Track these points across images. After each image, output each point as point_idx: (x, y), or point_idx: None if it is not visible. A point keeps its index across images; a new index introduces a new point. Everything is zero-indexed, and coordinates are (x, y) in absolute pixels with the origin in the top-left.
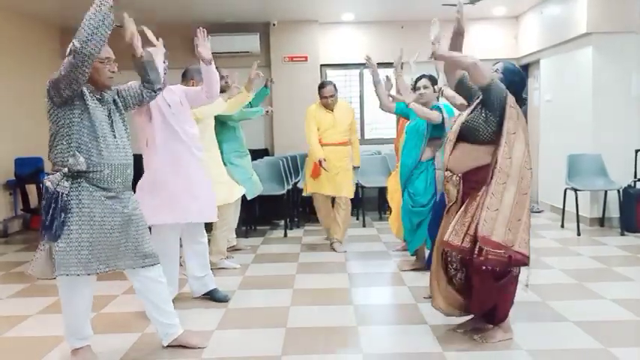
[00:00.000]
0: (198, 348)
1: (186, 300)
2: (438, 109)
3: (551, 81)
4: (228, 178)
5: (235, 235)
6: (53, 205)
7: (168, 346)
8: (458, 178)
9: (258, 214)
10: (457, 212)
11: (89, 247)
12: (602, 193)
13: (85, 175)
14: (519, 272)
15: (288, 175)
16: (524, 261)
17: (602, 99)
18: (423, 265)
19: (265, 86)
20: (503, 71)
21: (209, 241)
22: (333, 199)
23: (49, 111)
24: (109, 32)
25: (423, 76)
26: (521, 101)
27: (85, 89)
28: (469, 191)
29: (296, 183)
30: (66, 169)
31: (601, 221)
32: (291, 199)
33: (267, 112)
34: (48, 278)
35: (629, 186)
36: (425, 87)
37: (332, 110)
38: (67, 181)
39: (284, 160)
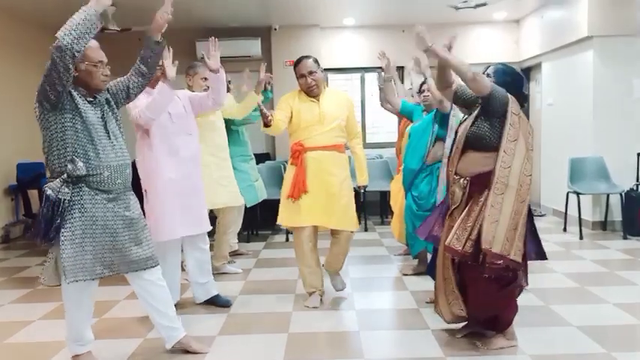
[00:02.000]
0: (201, 353)
1: (189, 305)
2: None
3: (552, 84)
4: (231, 181)
5: (238, 240)
6: (51, 213)
7: (171, 349)
8: (465, 181)
9: (260, 219)
10: (460, 216)
11: (93, 251)
12: (605, 197)
13: (85, 179)
14: (524, 280)
15: None
16: (518, 268)
17: (603, 102)
18: (425, 269)
19: (265, 89)
20: (494, 73)
21: (212, 245)
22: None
23: (40, 117)
24: (93, 31)
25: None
26: (522, 99)
27: (74, 92)
28: (474, 194)
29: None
30: (65, 175)
31: (603, 225)
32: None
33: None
34: (57, 285)
35: (632, 189)
36: (430, 90)
37: (317, 100)
38: (67, 187)
39: (285, 164)
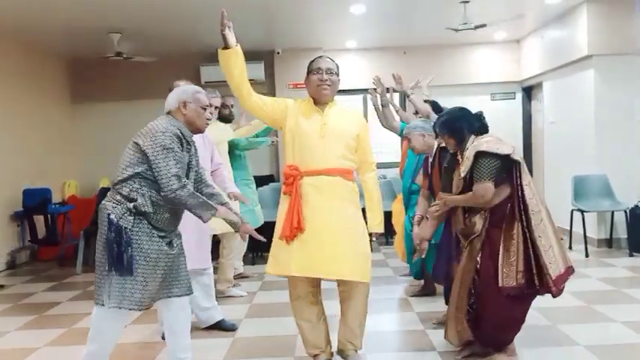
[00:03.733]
0: None
1: (193, 330)
2: None
3: (554, 103)
4: (234, 206)
5: (242, 263)
6: (118, 239)
7: None
8: (486, 212)
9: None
10: (483, 246)
11: (143, 282)
12: (609, 214)
13: (147, 216)
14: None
15: None
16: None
17: (605, 120)
18: (433, 290)
19: None
20: (442, 130)
21: (216, 269)
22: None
23: (142, 149)
24: (200, 216)
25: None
26: (481, 128)
27: (186, 135)
28: (497, 224)
29: None
30: (131, 205)
31: (609, 242)
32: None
33: (273, 142)
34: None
35: (636, 206)
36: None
37: (322, 110)
38: (130, 216)
39: None
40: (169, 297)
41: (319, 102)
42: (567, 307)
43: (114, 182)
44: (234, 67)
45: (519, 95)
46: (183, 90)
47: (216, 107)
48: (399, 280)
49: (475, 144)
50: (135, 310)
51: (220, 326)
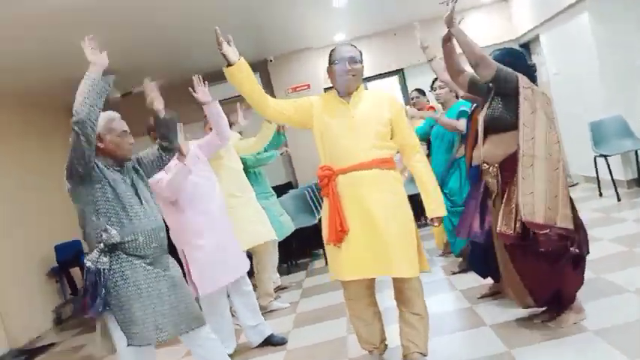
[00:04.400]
0: None
1: (245, 351)
2: (465, 113)
3: (554, 54)
4: (261, 217)
5: (279, 275)
6: (94, 284)
7: None
8: (495, 169)
9: (296, 249)
10: (502, 202)
11: (143, 316)
12: (633, 154)
13: (121, 246)
14: (581, 252)
15: (316, 204)
16: (571, 236)
17: (609, 60)
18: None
19: (278, 132)
20: (494, 59)
21: (254, 286)
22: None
23: (71, 191)
24: (104, 95)
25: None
26: (530, 74)
27: (100, 164)
28: (509, 179)
29: None
30: (102, 245)
31: (638, 181)
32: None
33: (282, 153)
34: (110, 354)
35: None
36: (440, 87)
37: (347, 101)
38: (105, 256)
39: (309, 189)
40: (187, 331)
41: (344, 93)
42: (608, 255)
43: (82, 238)
44: (243, 82)
45: None
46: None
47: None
48: (435, 260)
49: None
50: (144, 345)
51: (271, 342)
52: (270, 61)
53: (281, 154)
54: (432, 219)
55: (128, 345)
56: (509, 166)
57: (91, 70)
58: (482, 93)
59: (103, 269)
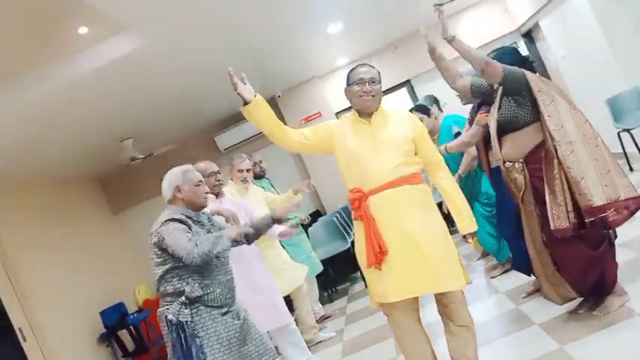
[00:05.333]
0: None
1: None
2: (459, 133)
3: (558, 38)
4: (291, 262)
5: (321, 305)
6: (182, 335)
7: None
8: (521, 164)
9: (334, 275)
10: (534, 198)
11: None
12: None
13: (201, 299)
14: (615, 236)
15: (347, 227)
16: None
17: (616, 33)
18: (510, 266)
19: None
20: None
21: (296, 321)
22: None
23: (159, 253)
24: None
25: (413, 108)
26: (531, 69)
27: (191, 217)
28: (536, 172)
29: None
30: (183, 298)
31: None
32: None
33: (303, 220)
34: None
35: None
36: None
37: (369, 121)
38: (186, 308)
39: (337, 215)
40: None
41: (364, 113)
42: None
43: (157, 289)
44: (261, 119)
45: (521, 43)
46: (172, 175)
47: (248, 170)
48: (473, 266)
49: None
50: None
51: None
52: (279, 97)
53: (301, 220)
54: (464, 235)
55: None
56: (534, 158)
57: (230, 235)
58: (486, 95)
59: (185, 321)
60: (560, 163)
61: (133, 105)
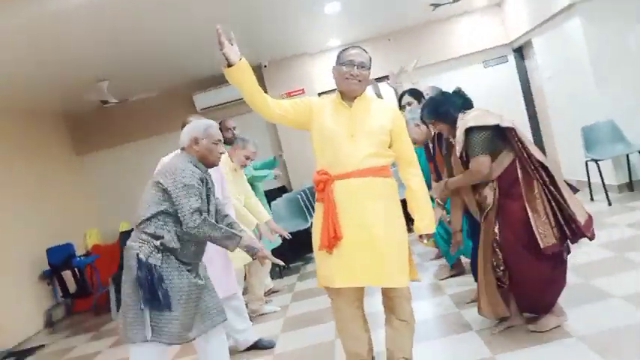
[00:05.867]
0: None
1: (233, 353)
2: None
3: (547, 58)
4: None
5: (271, 278)
6: (150, 277)
7: None
8: (494, 183)
9: (289, 252)
10: (496, 217)
11: (179, 317)
12: (624, 158)
13: (174, 251)
14: (568, 251)
15: (309, 207)
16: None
17: (602, 64)
18: (459, 270)
19: (274, 158)
20: (430, 117)
21: (245, 289)
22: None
23: (162, 187)
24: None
25: (405, 92)
26: (467, 107)
27: (202, 170)
28: (506, 191)
29: None
30: (158, 242)
31: (629, 186)
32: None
33: (276, 177)
34: (141, 341)
35: None
36: (409, 103)
37: (350, 105)
38: (158, 253)
39: (302, 193)
40: (206, 331)
41: (347, 96)
42: (598, 260)
43: (137, 222)
44: (242, 83)
45: (511, 57)
46: (194, 126)
47: (252, 159)
48: (427, 265)
49: (463, 121)
50: (175, 343)
51: (259, 345)
52: (265, 66)
53: (275, 177)
54: (420, 235)
55: (151, 340)
56: (507, 177)
57: (242, 243)
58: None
59: (155, 265)
60: (541, 184)
61: (114, 45)
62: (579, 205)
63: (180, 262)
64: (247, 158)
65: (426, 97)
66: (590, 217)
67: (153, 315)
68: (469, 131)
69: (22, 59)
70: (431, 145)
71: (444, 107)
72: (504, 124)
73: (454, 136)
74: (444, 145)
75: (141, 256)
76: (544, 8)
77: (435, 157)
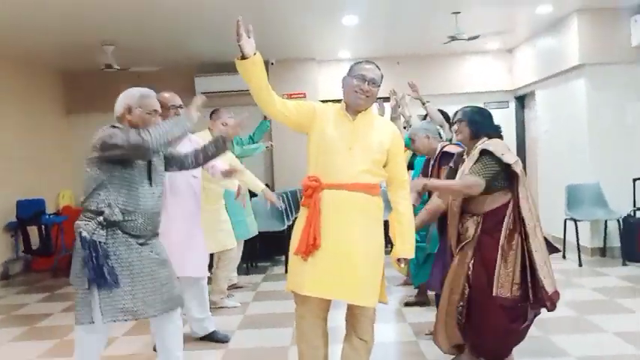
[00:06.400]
0: None
1: (187, 341)
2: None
3: (547, 112)
4: (228, 226)
5: (237, 273)
6: (94, 254)
7: None
8: (479, 218)
9: (259, 251)
10: (474, 253)
11: (131, 292)
12: (603, 223)
13: (119, 224)
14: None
15: (289, 211)
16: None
17: (598, 129)
18: (426, 300)
19: (265, 118)
20: (463, 115)
21: (210, 279)
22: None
23: (93, 160)
24: (182, 138)
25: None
26: (496, 132)
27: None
28: (488, 230)
29: (296, 219)
30: (101, 218)
31: (602, 251)
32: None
33: (268, 147)
34: (87, 323)
35: (629, 215)
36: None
37: (353, 118)
38: (102, 229)
39: (284, 195)
40: (172, 309)
41: (352, 109)
42: (559, 317)
43: (82, 202)
44: (252, 77)
45: (512, 104)
46: (129, 94)
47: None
48: (393, 289)
49: (484, 144)
50: (129, 319)
51: (213, 337)
52: (272, 64)
53: (267, 147)
54: (399, 259)
55: (105, 322)
56: (493, 218)
57: (187, 118)
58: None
59: (99, 242)
60: (521, 239)
61: (124, 11)
62: (550, 275)
63: (129, 235)
64: (225, 125)
65: (410, 122)
66: (557, 292)
67: (102, 294)
68: (484, 153)
69: (28, 10)
70: (432, 161)
71: (482, 119)
72: (516, 168)
73: (467, 153)
74: (453, 160)
75: (84, 234)
76: (553, 63)
77: (433, 171)
